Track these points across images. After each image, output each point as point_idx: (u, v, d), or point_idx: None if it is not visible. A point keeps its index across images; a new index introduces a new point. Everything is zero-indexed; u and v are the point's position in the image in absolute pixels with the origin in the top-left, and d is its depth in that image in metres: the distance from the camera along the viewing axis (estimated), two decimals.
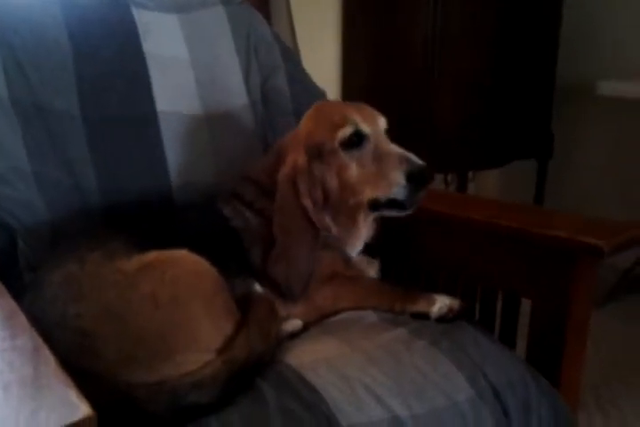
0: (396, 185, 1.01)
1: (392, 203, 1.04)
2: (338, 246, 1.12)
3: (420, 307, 1.04)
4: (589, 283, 1.01)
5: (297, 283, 1.04)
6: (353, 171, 1.05)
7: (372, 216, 1.13)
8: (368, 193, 1.05)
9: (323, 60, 2.28)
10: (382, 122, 1.10)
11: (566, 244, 0.97)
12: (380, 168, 1.03)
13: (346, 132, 1.05)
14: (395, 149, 1.05)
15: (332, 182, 1.07)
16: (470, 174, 2.65)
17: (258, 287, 1.03)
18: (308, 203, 1.05)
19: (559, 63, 2.37)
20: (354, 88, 2.40)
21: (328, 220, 1.10)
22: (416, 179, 1.01)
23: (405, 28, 2.09)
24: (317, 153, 1.07)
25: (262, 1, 1.96)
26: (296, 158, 1.06)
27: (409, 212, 1.06)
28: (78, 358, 0.77)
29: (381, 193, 1.03)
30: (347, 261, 1.13)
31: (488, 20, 2.12)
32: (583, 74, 2.41)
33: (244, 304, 0.93)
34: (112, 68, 1.20)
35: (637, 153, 2.40)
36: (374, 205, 1.06)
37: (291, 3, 2.02)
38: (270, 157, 1.15)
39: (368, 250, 1.18)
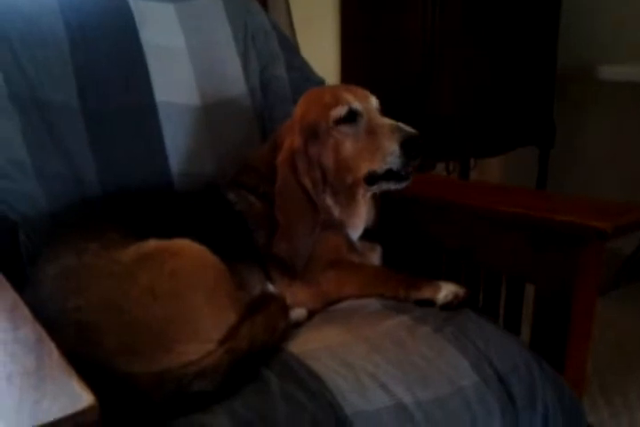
0: (390, 154, 1.03)
1: (388, 174, 1.05)
2: (341, 229, 1.12)
3: (425, 294, 1.03)
4: (595, 266, 1.00)
5: (299, 259, 1.06)
6: (348, 147, 1.07)
7: (370, 193, 1.14)
8: (364, 167, 1.06)
9: (320, 56, 2.26)
10: (374, 100, 1.12)
11: (570, 227, 0.96)
12: (374, 141, 1.05)
13: (339, 110, 1.07)
14: (387, 121, 1.07)
15: (329, 161, 1.09)
16: (472, 162, 2.63)
17: (271, 287, 1.04)
18: (307, 182, 1.07)
19: (559, 48, 2.35)
20: (352, 78, 2.38)
21: (328, 200, 1.11)
22: (409, 146, 1.02)
23: (403, 17, 2.07)
24: (313, 133, 1.08)
25: None
26: (292, 141, 1.08)
27: (406, 183, 1.07)
28: (79, 351, 0.77)
29: (377, 165, 1.05)
30: (351, 245, 1.13)
31: (487, 9, 2.10)
32: (584, 59, 2.39)
33: (258, 304, 0.93)
34: (110, 58, 1.19)
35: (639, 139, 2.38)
36: (371, 178, 1.07)
37: None
38: (268, 145, 1.16)
39: (369, 235, 1.18)
